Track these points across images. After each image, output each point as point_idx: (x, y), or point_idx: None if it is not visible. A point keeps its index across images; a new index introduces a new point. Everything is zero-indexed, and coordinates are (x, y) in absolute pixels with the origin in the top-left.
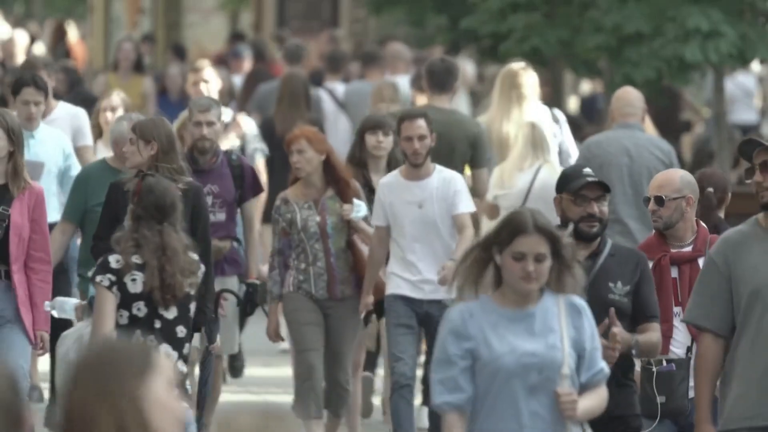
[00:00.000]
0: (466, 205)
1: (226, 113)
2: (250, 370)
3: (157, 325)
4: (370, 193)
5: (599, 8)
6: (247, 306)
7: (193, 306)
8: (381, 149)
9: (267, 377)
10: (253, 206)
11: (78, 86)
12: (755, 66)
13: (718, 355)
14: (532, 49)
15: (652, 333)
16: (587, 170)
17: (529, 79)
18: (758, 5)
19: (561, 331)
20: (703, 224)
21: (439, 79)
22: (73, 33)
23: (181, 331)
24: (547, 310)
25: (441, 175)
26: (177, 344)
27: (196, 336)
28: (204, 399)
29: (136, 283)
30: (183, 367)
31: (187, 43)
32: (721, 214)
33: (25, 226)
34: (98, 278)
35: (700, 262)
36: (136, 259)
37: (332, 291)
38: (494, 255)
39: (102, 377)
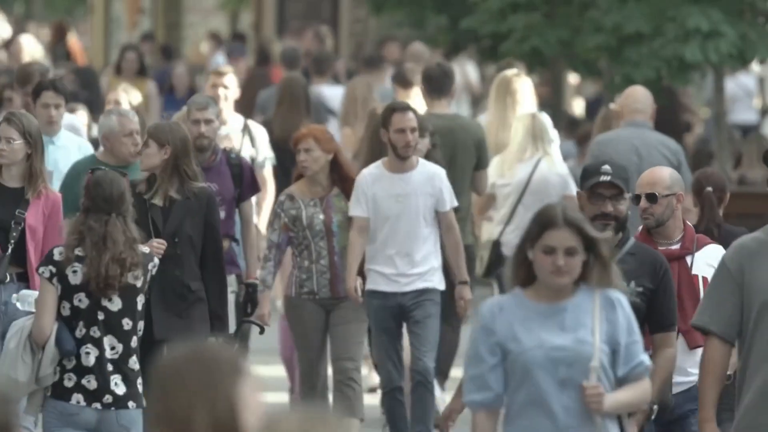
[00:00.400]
0: (450, 202)
1: (238, 120)
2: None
3: (101, 316)
4: None
5: (599, 8)
6: (248, 306)
7: (140, 299)
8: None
9: (267, 377)
10: (251, 205)
11: (92, 87)
12: (755, 66)
13: (725, 359)
14: (532, 49)
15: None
16: (605, 168)
17: (524, 85)
18: (758, 5)
19: (593, 326)
20: (689, 223)
21: (437, 84)
22: (72, 33)
23: (126, 323)
24: (580, 305)
25: (425, 168)
26: (123, 336)
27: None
28: None
29: (76, 275)
30: (135, 365)
31: (187, 43)
32: (720, 213)
33: (39, 230)
34: (40, 270)
35: (688, 260)
36: (78, 251)
37: (335, 289)
38: (526, 250)
39: (200, 379)
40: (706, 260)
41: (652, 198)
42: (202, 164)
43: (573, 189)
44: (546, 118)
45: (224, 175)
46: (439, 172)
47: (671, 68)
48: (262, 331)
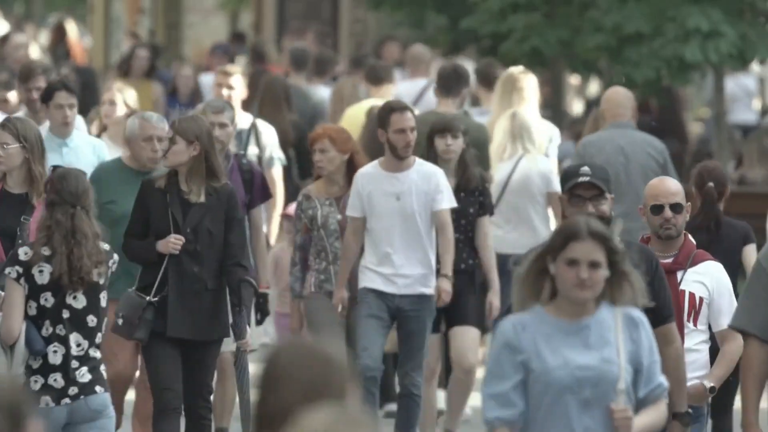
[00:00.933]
0: (448, 201)
1: (246, 119)
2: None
3: (66, 315)
4: None
5: (599, 8)
6: (257, 315)
7: (103, 295)
8: (450, 152)
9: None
10: (261, 212)
11: (91, 87)
12: (755, 66)
13: (764, 360)
14: (532, 49)
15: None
16: (584, 169)
17: (530, 82)
18: (758, 5)
19: (617, 344)
20: (692, 238)
21: (446, 84)
22: (73, 32)
23: (91, 320)
24: (603, 322)
25: (421, 168)
26: (88, 333)
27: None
28: (246, 401)
29: (43, 275)
30: (97, 353)
31: (187, 43)
32: (721, 207)
33: None
34: (7, 270)
35: (679, 275)
36: (45, 251)
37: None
38: (548, 264)
39: (313, 379)
40: (698, 277)
41: (678, 208)
42: None
43: (557, 187)
44: (533, 117)
45: (235, 181)
46: (437, 172)
47: (671, 68)
48: (256, 292)
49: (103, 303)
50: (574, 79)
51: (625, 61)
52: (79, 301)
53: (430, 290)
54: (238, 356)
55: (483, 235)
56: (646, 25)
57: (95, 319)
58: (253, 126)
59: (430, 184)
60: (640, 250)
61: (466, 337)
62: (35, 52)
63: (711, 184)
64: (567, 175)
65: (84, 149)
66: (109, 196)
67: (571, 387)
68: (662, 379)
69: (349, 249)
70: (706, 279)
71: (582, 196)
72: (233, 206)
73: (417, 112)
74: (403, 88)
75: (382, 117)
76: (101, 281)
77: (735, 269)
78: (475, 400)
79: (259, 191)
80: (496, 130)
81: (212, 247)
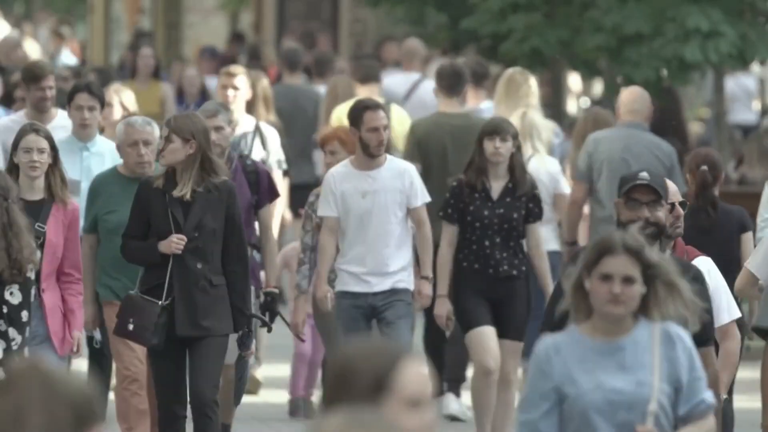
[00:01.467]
0: (422, 198)
1: (249, 121)
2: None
3: (5, 310)
4: (487, 200)
5: (599, 8)
6: (265, 315)
7: (33, 291)
8: (499, 155)
9: (268, 377)
10: (270, 212)
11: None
12: (755, 66)
13: None
14: (532, 50)
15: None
16: (643, 174)
17: (532, 83)
18: (758, 5)
19: (653, 365)
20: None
21: (448, 84)
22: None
23: (24, 315)
24: (639, 342)
25: (393, 164)
26: (21, 328)
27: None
28: (239, 400)
29: None
30: (25, 349)
31: (187, 43)
32: (716, 192)
33: (59, 244)
34: None
35: None
36: None
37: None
38: (583, 280)
39: (340, 387)
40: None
41: (683, 206)
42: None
43: (564, 187)
44: (539, 117)
45: (240, 183)
46: (409, 168)
47: (671, 68)
48: (269, 330)
49: (32, 298)
50: (574, 82)
51: (625, 61)
52: (16, 297)
53: (404, 284)
54: (238, 362)
55: (535, 243)
56: (646, 25)
57: (27, 315)
58: (258, 129)
59: (404, 181)
60: (683, 267)
61: (505, 350)
62: (35, 51)
63: (705, 167)
64: (625, 179)
65: (106, 157)
66: (107, 206)
67: (605, 410)
68: (706, 395)
69: (326, 249)
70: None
71: (639, 200)
72: (233, 203)
73: (408, 106)
74: (394, 80)
75: (355, 115)
76: (32, 276)
77: (731, 258)
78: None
79: (267, 191)
80: None
81: (215, 244)
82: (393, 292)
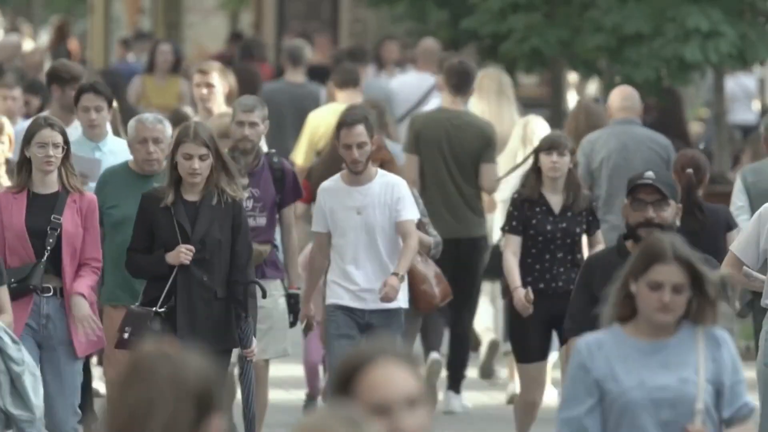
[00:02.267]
0: (411, 212)
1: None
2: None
3: None
4: (549, 214)
5: (599, 8)
6: (290, 317)
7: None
8: (556, 170)
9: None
10: (293, 212)
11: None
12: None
13: None
14: (532, 50)
15: None
16: (648, 174)
17: (509, 82)
18: (758, 5)
19: (697, 364)
20: None
21: (458, 83)
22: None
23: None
24: (683, 342)
25: (383, 179)
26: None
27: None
28: (252, 416)
29: None
30: None
31: (187, 42)
32: (699, 194)
33: (77, 235)
34: None
35: None
36: None
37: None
38: (630, 283)
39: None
40: None
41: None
42: (245, 168)
43: None
44: (542, 124)
45: (266, 179)
46: (399, 182)
47: (671, 68)
48: (264, 295)
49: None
50: (572, 79)
51: (625, 61)
52: None
53: (397, 303)
54: (243, 367)
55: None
56: (646, 25)
57: None
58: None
59: (393, 195)
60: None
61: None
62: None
63: (690, 170)
64: (631, 181)
65: (119, 155)
66: (112, 200)
67: (648, 408)
68: (748, 399)
69: (315, 266)
70: None
71: (644, 200)
72: (239, 213)
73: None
74: (409, 80)
75: (336, 129)
76: None
77: (718, 256)
78: (475, 399)
79: (291, 190)
80: (512, 136)
81: (221, 256)
82: (388, 313)
